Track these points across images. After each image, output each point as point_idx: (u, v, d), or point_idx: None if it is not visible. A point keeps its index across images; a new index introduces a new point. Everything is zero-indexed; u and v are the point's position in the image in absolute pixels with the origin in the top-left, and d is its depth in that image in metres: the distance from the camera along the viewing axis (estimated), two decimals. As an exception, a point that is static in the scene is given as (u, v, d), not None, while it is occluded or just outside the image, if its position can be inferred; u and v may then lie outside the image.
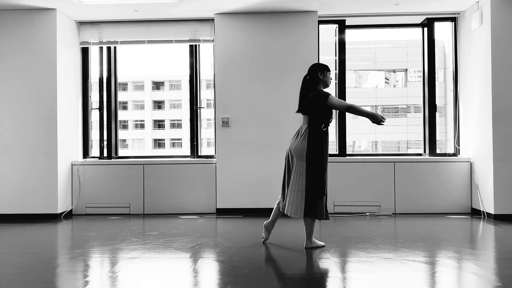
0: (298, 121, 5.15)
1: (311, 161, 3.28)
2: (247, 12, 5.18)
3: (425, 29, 5.46)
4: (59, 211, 5.05)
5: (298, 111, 3.45)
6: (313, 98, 3.32)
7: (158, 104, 28.90)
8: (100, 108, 5.66)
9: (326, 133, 3.37)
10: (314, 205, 3.29)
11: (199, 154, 5.52)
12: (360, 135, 22.21)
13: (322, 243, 3.44)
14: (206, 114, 9.15)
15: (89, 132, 5.70)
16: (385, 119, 3.29)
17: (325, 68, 3.43)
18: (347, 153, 5.40)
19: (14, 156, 5.00)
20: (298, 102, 3.46)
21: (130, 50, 29.14)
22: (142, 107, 28.73)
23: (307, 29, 5.16)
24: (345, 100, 5.44)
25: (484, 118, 4.77)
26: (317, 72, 3.41)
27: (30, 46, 5.02)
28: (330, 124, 3.41)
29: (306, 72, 3.44)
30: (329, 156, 4.50)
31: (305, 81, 3.45)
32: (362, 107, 3.31)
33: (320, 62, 5.29)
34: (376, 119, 3.23)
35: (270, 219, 3.58)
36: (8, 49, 5.03)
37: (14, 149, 5.01)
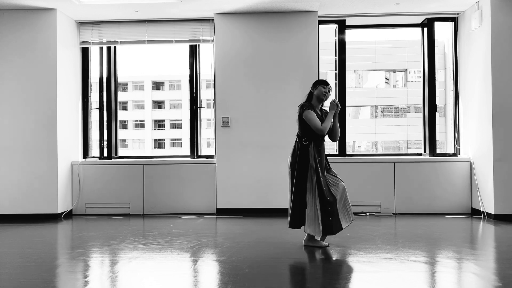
0: (298, 121, 5.14)
1: (292, 172, 3.43)
2: (247, 12, 5.18)
3: (425, 29, 5.46)
4: (59, 211, 5.05)
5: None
6: (298, 110, 3.48)
7: (158, 104, 28.89)
8: (100, 108, 5.66)
9: (307, 147, 3.40)
10: (300, 215, 3.37)
11: (199, 154, 5.52)
12: (360, 135, 22.20)
13: (326, 244, 3.44)
14: (206, 114, 9.16)
15: (89, 132, 5.70)
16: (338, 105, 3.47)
17: (317, 82, 3.51)
18: (347, 153, 5.40)
19: (14, 156, 5.00)
20: None
21: (130, 50, 29.19)
22: (142, 107, 28.73)
23: (307, 29, 5.15)
24: (344, 100, 5.44)
25: (484, 118, 4.77)
26: (312, 87, 3.52)
27: (30, 46, 5.02)
28: (316, 139, 3.42)
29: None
30: (329, 156, 4.48)
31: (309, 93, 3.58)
32: (329, 121, 3.39)
33: (319, 62, 5.30)
34: (335, 107, 3.43)
35: None
36: (8, 49, 5.03)
37: (14, 149, 5.01)
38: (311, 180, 3.35)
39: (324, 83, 3.49)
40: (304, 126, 3.42)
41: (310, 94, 3.51)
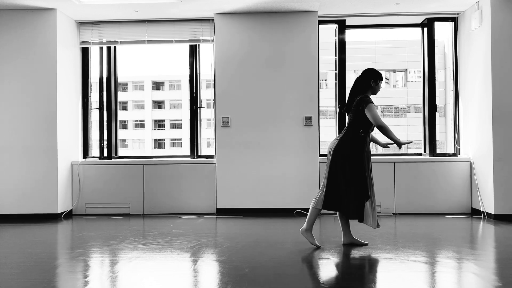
0: (298, 121, 5.15)
1: (344, 161, 3.33)
2: (247, 12, 5.18)
3: (425, 29, 5.46)
4: (59, 211, 5.04)
5: (344, 111, 3.51)
6: (357, 101, 3.37)
7: (158, 104, 28.89)
8: (100, 108, 5.66)
9: (364, 138, 3.38)
10: (359, 206, 3.31)
11: (199, 154, 5.52)
12: (360, 135, 22.16)
13: (318, 244, 3.43)
14: (206, 114, 9.14)
15: (89, 132, 5.70)
16: (410, 141, 3.38)
17: (379, 77, 3.45)
18: (347, 153, 5.39)
19: (14, 156, 5.00)
20: (346, 101, 3.50)
21: (130, 50, 29.17)
22: (142, 107, 28.72)
23: (307, 29, 5.15)
24: (344, 100, 5.45)
25: (484, 118, 4.77)
26: (371, 79, 3.43)
27: (30, 46, 5.02)
28: (370, 131, 3.43)
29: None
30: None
31: (357, 82, 3.47)
32: (392, 132, 3.30)
33: (319, 61, 5.30)
34: (399, 146, 3.30)
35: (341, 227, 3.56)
36: (8, 49, 5.03)
37: (14, 149, 5.01)
38: (367, 171, 3.35)
39: (382, 78, 3.47)
40: (363, 118, 3.33)
41: (367, 86, 3.42)
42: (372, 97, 3.48)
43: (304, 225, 3.47)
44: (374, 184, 3.49)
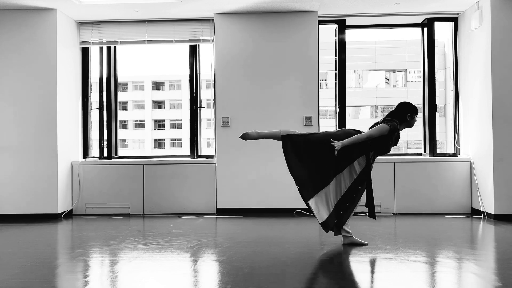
0: (298, 121, 5.15)
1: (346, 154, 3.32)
2: (247, 12, 5.18)
3: (425, 29, 5.46)
4: (59, 211, 5.04)
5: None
6: (387, 120, 3.37)
7: (158, 104, 28.89)
8: (100, 108, 5.66)
9: (369, 150, 3.33)
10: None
11: (199, 154, 5.52)
12: (360, 135, 22.15)
13: (247, 138, 3.61)
14: (206, 114, 9.15)
15: (89, 132, 5.70)
16: (335, 150, 3.24)
17: (414, 111, 3.43)
18: (347, 153, 5.40)
19: (14, 156, 5.00)
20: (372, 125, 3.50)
21: (130, 50, 29.18)
22: (142, 107, 28.72)
23: (307, 29, 5.15)
24: (344, 100, 5.46)
25: (484, 118, 4.77)
26: (407, 113, 3.41)
27: (30, 46, 5.02)
28: (379, 151, 3.38)
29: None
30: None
31: (391, 114, 3.45)
32: (347, 141, 3.24)
33: (319, 61, 5.30)
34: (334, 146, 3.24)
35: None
36: (8, 49, 5.03)
37: (14, 149, 5.00)
38: (350, 171, 3.34)
39: (418, 112, 3.45)
40: (382, 139, 3.31)
41: (402, 119, 3.40)
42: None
43: (261, 131, 3.58)
44: (364, 188, 3.41)
